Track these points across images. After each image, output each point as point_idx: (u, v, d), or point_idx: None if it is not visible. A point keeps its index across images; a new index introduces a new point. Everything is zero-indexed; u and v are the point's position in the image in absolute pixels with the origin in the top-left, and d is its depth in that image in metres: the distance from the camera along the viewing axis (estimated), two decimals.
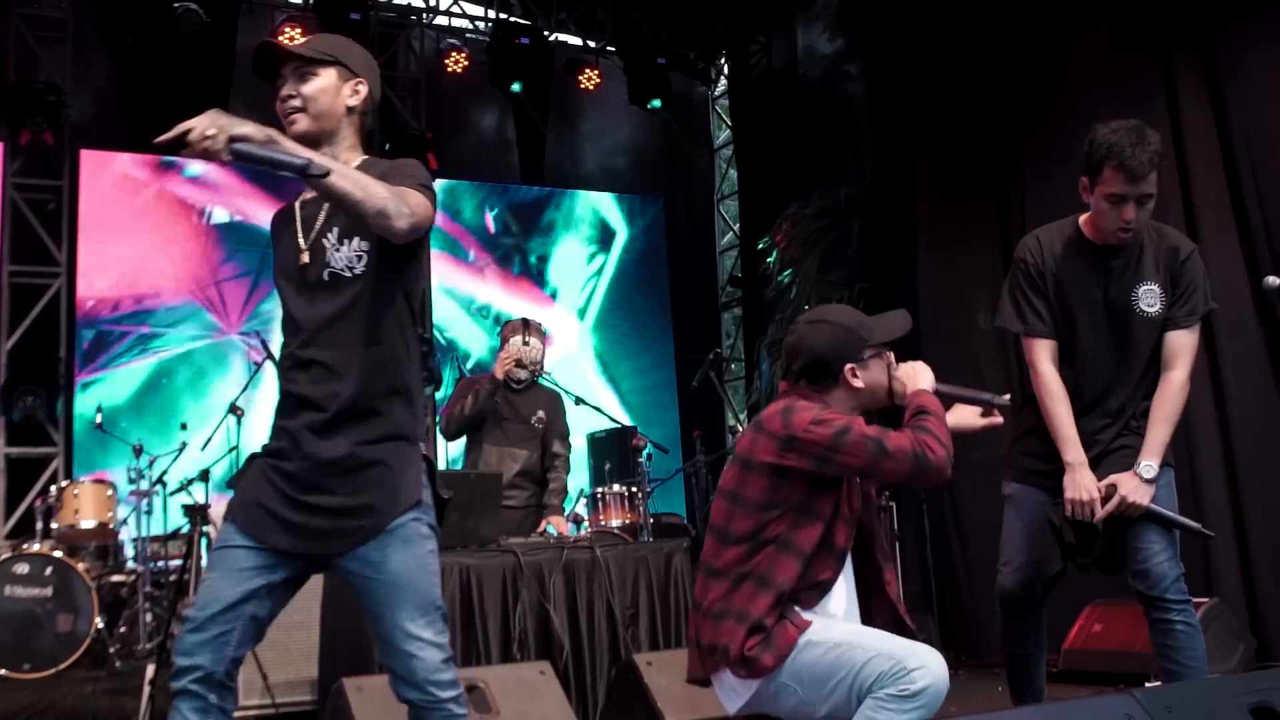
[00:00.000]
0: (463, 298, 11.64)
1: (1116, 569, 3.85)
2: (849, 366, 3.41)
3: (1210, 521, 6.70)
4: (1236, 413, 6.87)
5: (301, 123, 3.04)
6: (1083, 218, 4.02)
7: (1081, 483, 3.76)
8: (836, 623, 3.26)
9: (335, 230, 3.02)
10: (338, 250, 3.00)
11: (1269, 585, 6.61)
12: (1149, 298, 3.89)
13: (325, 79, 3.08)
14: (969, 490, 8.34)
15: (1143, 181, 3.74)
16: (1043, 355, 3.95)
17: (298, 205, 3.15)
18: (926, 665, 3.03)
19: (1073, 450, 3.80)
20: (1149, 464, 3.74)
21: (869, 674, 3.05)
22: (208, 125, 2.66)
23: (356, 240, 3.00)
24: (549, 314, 11.26)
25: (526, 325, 6.65)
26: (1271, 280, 4.62)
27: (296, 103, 3.06)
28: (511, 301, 11.72)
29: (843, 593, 3.38)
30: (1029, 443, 4.04)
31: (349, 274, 2.99)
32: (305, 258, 3.03)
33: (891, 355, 3.52)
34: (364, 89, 3.13)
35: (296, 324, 3.05)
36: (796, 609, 3.21)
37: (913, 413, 3.34)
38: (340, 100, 3.10)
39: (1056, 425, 3.85)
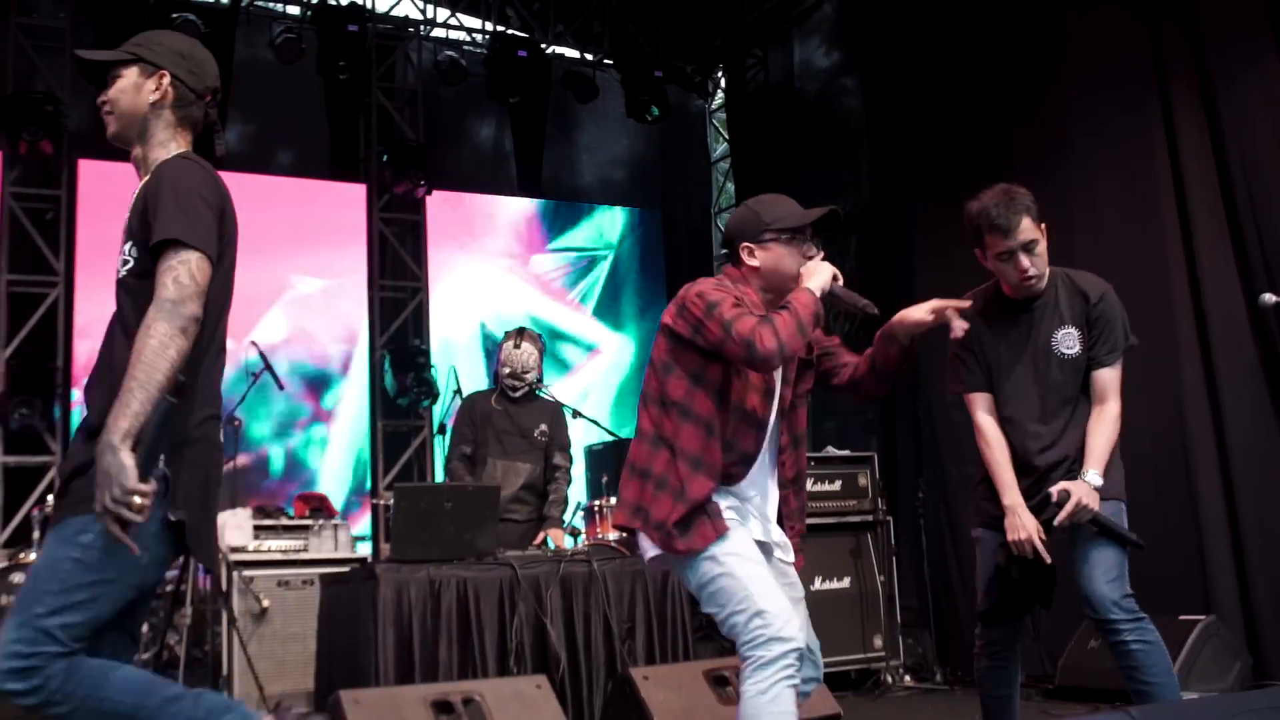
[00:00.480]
0: (469, 312, 11.62)
1: (1049, 603, 3.99)
2: (744, 245, 3.57)
3: (1208, 536, 6.74)
4: (1233, 429, 6.87)
5: (110, 126, 3.04)
6: (1003, 285, 4.15)
7: (1021, 523, 3.87)
8: (745, 549, 3.37)
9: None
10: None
11: (1266, 603, 6.60)
12: (1068, 340, 4.05)
13: (126, 79, 3.05)
14: (964, 503, 8.31)
15: (1017, 232, 3.93)
16: (979, 408, 4.12)
17: None
18: (792, 637, 3.19)
19: (1009, 494, 3.94)
20: (1094, 472, 3.86)
21: (735, 623, 3.25)
22: None
23: (128, 244, 2.94)
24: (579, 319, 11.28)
25: (521, 333, 6.65)
26: (1268, 298, 4.73)
27: (106, 107, 3.05)
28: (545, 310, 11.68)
29: (764, 476, 3.55)
30: (985, 489, 4.12)
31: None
32: None
33: (811, 248, 3.58)
34: (164, 81, 3.06)
35: None
36: (718, 501, 3.38)
37: (780, 305, 3.41)
38: (142, 97, 3.05)
39: (994, 470, 4.02)
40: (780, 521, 3.64)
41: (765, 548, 3.54)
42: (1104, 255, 7.24)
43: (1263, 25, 6.89)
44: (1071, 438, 4.02)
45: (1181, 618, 6.25)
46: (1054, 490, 3.84)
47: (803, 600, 3.63)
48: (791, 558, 3.63)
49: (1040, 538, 3.81)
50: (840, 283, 3.49)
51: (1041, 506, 3.89)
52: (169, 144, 3.07)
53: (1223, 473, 6.88)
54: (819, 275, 3.45)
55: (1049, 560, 3.82)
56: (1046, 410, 4.04)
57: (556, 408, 6.75)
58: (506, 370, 6.54)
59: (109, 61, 3.08)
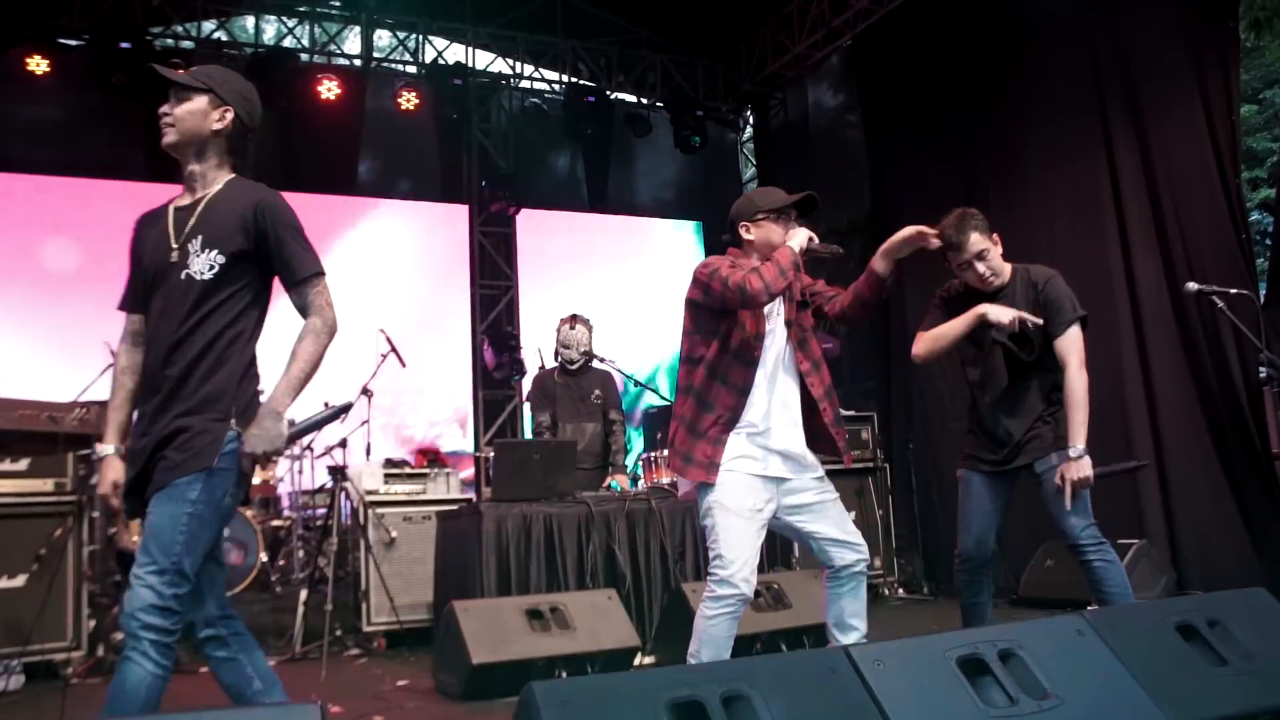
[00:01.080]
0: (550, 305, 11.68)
1: (1034, 352, 3.95)
2: (742, 224, 3.63)
3: (1140, 477, 6.70)
4: (1160, 393, 6.82)
5: (169, 136, 2.97)
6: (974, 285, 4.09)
7: (1002, 310, 3.84)
8: (733, 500, 3.39)
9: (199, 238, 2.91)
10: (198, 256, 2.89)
11: (1186, 529, 6.57)
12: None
13: (194, 103, 2.96)
14: (948, 453, 8.30)
15: (968, 246, 3.92)
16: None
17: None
18: (736, 586, 3.30)
19: (967, 317, 3.92)
20: (1074, 446, 3.80)
21: (710, 550, 3.39)
22: None
23: (212, 251, 2.88)
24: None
25: (574, 318, 6.64)
26: (1191, 286, 4.64)
27: (168, 119, 2.97)
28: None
29: (762, 404, 3.51)
30: (970, 440, 4.12)
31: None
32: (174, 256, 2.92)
33: (792, 223, 3.62)
34: (229, 115, 2.99)
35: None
36: (727, 438, 3.44)
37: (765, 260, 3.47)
38: (207, 123, 2.97)
39: (951, 335, 3.98)
40: (824, 432, 3.62)
41: (795, 462, 3.54)
42: (1057, 254, 7.17)
43: (1187, 73, 6.78)
44: (1032, 403, 3.97)
45: (1119, 541, 6.20)
46: (1056, 481, 3.83)
47: (836, 499, 3.62)
48: (820, 471, 3.62)
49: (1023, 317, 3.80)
50: (815, 242, 3.53)
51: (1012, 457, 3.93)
52: (223, 167, 3.03)
53: (1152, 427, 6.83)
54: (797, 237, 3.51)
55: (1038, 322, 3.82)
56: (1007, 383, 3.99)
57: (607, 375, 6.69)
58: (566, 347, 6.54)
59: (184, 85, 2.98)
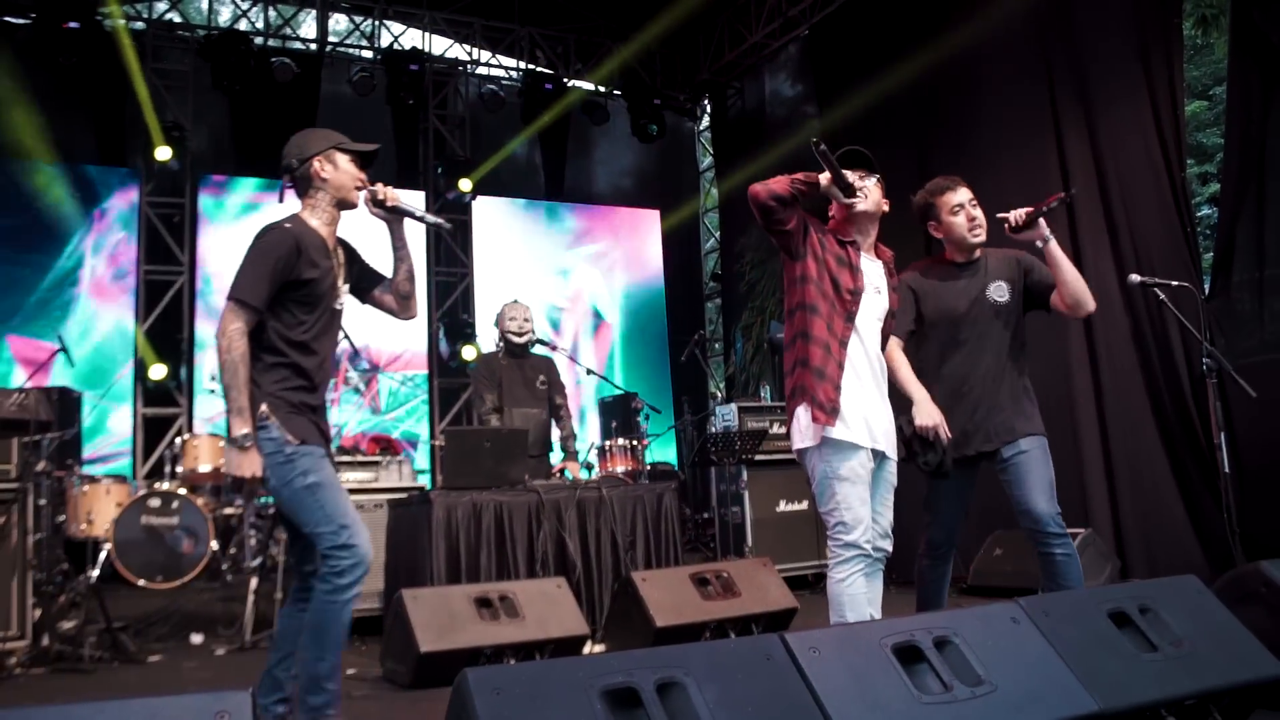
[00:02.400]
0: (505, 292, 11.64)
1: (946, 476, 3.87)
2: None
3: (1087, 466, 6.78)
4: (1107, 383, 6.89)
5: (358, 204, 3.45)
6: (944, 252, 4.16)
7: (930, 413, 3.77)
8: (852, 464, 3.39)
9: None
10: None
11: (1131, 518, 6.64)
12: (999, 291, 4.03)
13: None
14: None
15: (962, 190, 4.03)
16: (895, 345, 3.93)
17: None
18: (861, 548, 3.36)
19: (917, 391, 3.84)
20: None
21: (830, 519, 3.41)
22: None
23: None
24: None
25: (515, 303, 6.54)
26: (1134, 278, 4.71)
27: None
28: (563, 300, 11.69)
29: (861, 355, 3.51)
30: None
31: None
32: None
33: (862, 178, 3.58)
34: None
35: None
36: (837, 392, 3.40)
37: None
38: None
39: (902, 382, 3.86)
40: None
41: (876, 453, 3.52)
42: (1007, 242, 7.23)
43: (1134, 65, 6.86)
44: (1010, 367, 3.98)
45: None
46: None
47: (890, 483, 3.64)
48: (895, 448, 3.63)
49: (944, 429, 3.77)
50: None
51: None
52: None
53: (1099, 417, 6.90)
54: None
55: (947, 439, 3.77)
56: (982, 355, 3.97)
57: (549, 360, 6.62)
58: (511, 328, 6.38)
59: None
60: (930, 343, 4.09)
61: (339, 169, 3.30)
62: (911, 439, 3.81)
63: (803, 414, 3.44)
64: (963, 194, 4.01)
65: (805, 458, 3.50)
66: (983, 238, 4.06)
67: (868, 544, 3.38)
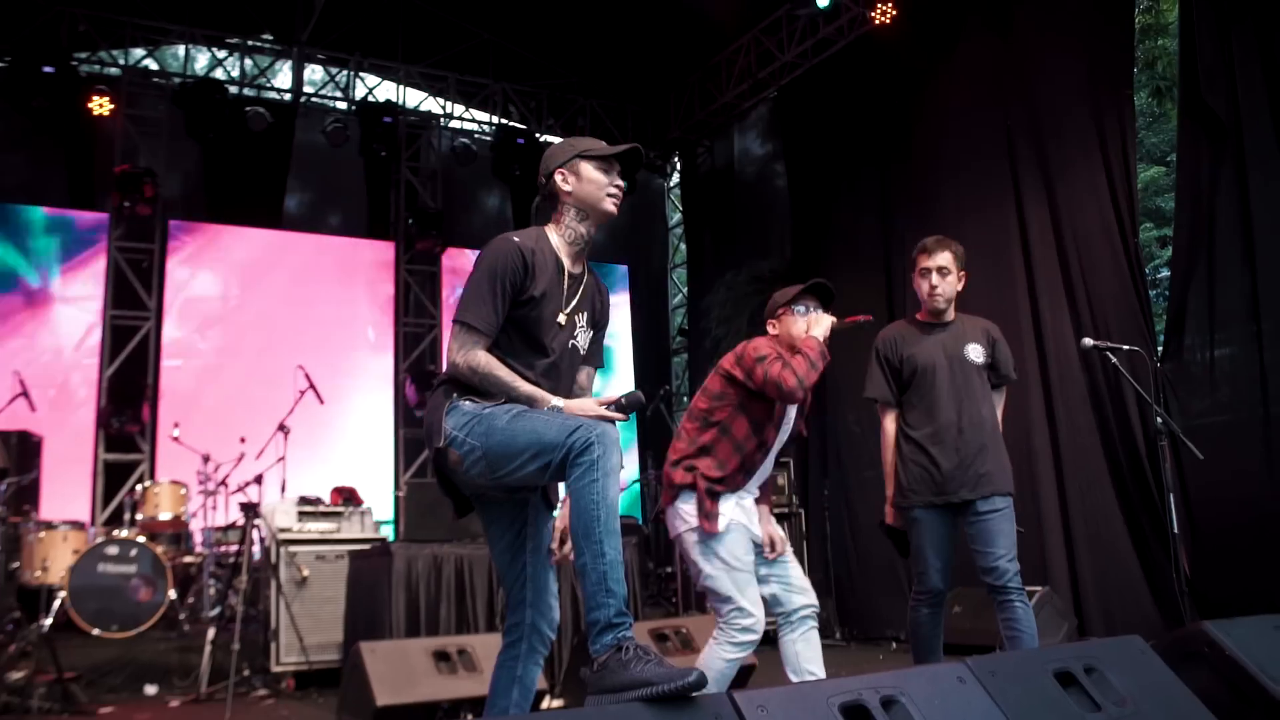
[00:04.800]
0: None
1: (907, 554, 4.26)
2: (770, 321, 3.89)
3: (1045, 525, 6.87)
4: (1065, 443, 6.99)
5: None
6: (918, 314, 4.37)
7: (891, 513, 4.26)
8: (739, 551, 3.62)
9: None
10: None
11: (1088, 577, 6.72)
12: (974, 352, 4.23)
13: None
14: (861, 499, 8.43)
15: (936, 257, 4.19)
16: (887, 416, 4.30)
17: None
18: (754, 620, 3.53)
19: (890, 487, 4.25)
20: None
21: (725, 606, 3.58)
22: None
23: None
24: None
25: None
26: (1086, 341, 4.84)
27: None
28: None
29: (763, 472, 3.84)
30: (920, 478, 4.15)
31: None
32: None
33: (806, 309, 3.82)
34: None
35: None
36: (728, 500, 3.66)
37: (792, 352, 3.67)
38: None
39: (886, 471, 4.28)
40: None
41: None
42: (968, 306, 7.27)
43: (1090, 134, 7.05)
44: (989, 420, 4.19)
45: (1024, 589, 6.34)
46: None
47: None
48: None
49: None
50: (836, 321, 3.75)
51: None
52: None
53: (1057, 476, 7.00)
54: (821, 324, 3.70)
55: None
56: (961, 405, 4.14)
57: None
58: None
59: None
60: (913, 393, 4.23)
61: (583, 179, 2.97)
62: (884, 527, 4.31)
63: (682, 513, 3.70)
64: (934, 259, 4.19)
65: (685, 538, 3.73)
66: (940, 305, 4.23)
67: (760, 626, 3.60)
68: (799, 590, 3.77)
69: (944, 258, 4.18)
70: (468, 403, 2.77)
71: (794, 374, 3.52)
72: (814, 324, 3.71)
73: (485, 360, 2.75)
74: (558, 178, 2.99)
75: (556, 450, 2.59)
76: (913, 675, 2.67)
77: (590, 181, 2.98)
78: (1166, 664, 2.96)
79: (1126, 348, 5.07)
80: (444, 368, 2.93)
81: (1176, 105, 7.59)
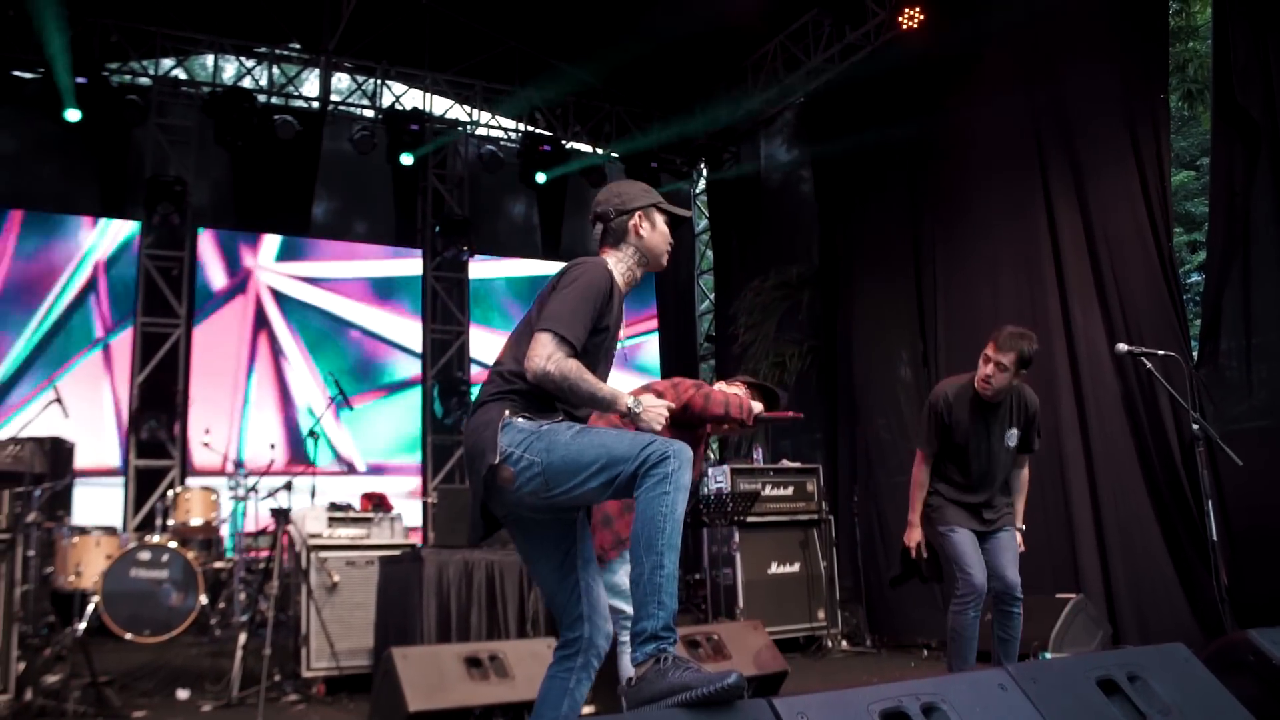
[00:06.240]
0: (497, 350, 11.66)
1: (938, 579, 4.81)
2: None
3: (1077, 531, 6.81)
4: (1098, 449, 6.92)
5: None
6: (977, 380, 4.59)
7: (913, 535, 4.69)
8: None
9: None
10: None
11: (1122, 584, 6.64)
12: (1011, 438, 4.63)
13: None
14: (891, 505, 8.38)
15: (1002, 354, 4.43)
16: (922, 464, 4.73)
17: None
18: None
19: (913, 514, 4.71)
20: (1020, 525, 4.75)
21: None
22: None
23: None
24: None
25: None
26: (1121, 347, 4.81)
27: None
28: None
29: None
30: (956, 511, 4.60)
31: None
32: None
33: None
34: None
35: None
36: None
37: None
38: None
39: (911, 501, 4.73)
40: None
41: None
42: (1000, 311, 7.34)
43: (1122, 138, 6.99)
44: (1007, 484, 4.73)
45: (1057, 595, 6.29)
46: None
47: None
48: None
49: (922, 549, 4.68)
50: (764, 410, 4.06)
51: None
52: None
53: (1090, 482, 6.93)
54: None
55: (925, 555, 4.67)
56: (992, 474, 4.60)
57: None
58: None
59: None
60: (953, 451, 4.65)
61: (655, 229, 3.05)
62: (903, 554, 4.70)
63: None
64: (1001, 355, 4.43)
65: None
66: (987, 395, 4.53)
67: None
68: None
69: (1009, 358, 4.41)
70: (522, 419, 2.76)
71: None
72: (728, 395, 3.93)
73: (575, 367, 2.73)
74: (636, 219, 3.04)
75: (629, 463, 2.59)
76: (953, 682, 2.64)
77: (661, 234, 3.08)
78: (1211, 672, 2.92)
79: (1162, 353, 5.02)
80: (483, 375, 2.93)
81: (1209, 108, 7.51)
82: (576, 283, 2.83)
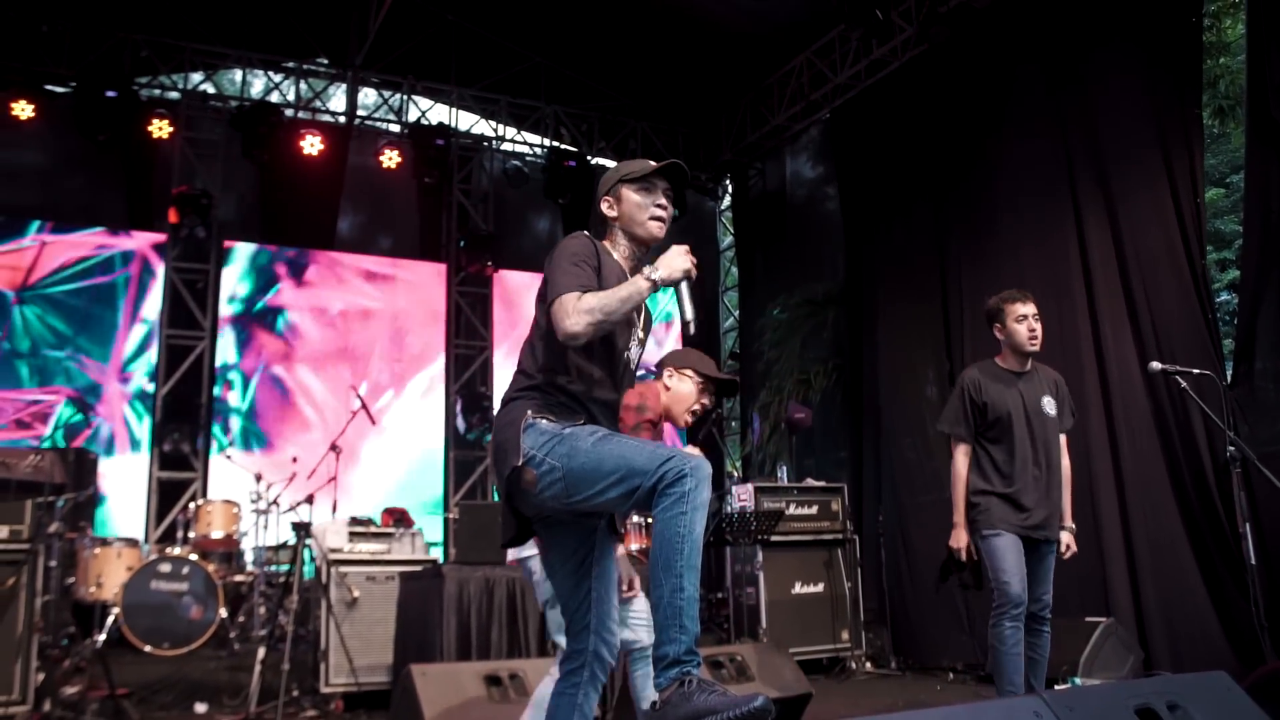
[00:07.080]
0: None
1: (978, 587, 4.63)
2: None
3: (1108, 554, 6.70)
4: (1129, 469, 6.82)
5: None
6: (996, 357, 4.68)
7: (960, 537, 4.54)
8: None
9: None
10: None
11: (1154, 607, 6.52)
12: (1049, 405, 4.59)
13: None
14: (916, 525, 8.28)
15: (1030, 303, 4.52)
16: (960, 451, 4.60)
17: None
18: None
19: (958, 515, 4.55)
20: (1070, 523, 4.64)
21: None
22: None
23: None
24: None
25: None
26: (1155, 365, 4.75)
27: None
28: None
29: None
30: (1001, 508, 4.46)
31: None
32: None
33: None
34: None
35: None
36: None
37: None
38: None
39: (955, 499, 4.57)
40: None
41: None
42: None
43: (1154, 155, 6.91)
44: (1062, 466, 4.60)
45: (1087, 619, 6.17)
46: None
47: None
48: None
49: (971, 551, 4.52)
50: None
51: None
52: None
53: (1120, 504, 6.82)
54: (683, 403, 4.12)
55: (975, 558, 4.52)
56: (1037, 449, 4.50)
57: None
58: None
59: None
60: (994, 434, 4.53)
61: (623, 202, 2.99)
62: (949, 557, 4.57)
63: None
64: (1029, 307, 4.50)
65: None
66: (1038, 348, 4.54)
67: None
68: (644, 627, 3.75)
69: (1034, 305, 4.51)
70: (545, 421, 2.72)
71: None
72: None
73: (591, 298, 2.69)
74: (603, 204, 3.04)
75: (646, 477, 2.53)
76: (987, 709, 2.56)
77: (631, 204, 2.99)
78: (1255, 702, 2.82)
79: (1196, 371, 4.92)
80: (491, 376, 2.91)
81: (1244, 124, 7.41)
82: (555, 258, 2.83)
